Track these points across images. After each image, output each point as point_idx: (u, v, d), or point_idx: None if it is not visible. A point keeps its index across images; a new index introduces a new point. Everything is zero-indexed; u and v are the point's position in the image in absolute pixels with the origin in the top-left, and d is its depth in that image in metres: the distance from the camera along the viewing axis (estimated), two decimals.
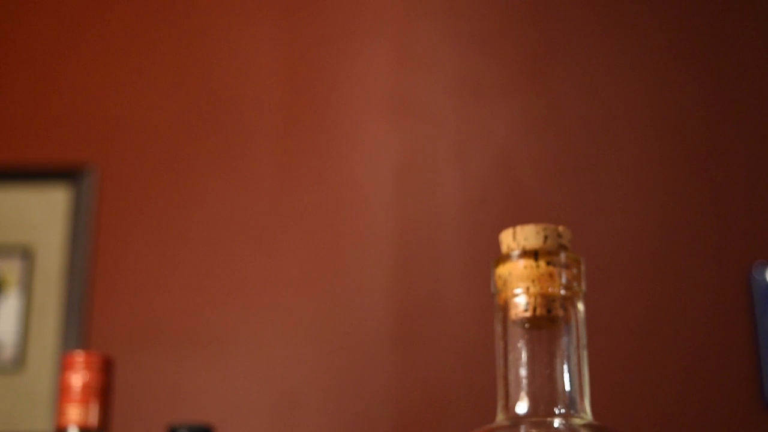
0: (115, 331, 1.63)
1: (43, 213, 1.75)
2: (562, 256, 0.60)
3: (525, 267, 0.60)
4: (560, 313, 0.60)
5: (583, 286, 0.61)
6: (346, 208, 1.68)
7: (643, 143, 1.67)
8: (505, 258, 0.61)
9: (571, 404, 0.59)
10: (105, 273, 1.70)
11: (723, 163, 1.65)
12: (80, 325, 1.66)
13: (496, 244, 0.62)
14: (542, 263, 0.60)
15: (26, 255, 1.73)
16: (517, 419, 0.59)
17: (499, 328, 0.61)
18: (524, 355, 0.60)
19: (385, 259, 1.64)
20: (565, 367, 0.59)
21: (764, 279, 1.58)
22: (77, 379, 0.97)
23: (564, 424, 0.58)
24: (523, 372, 0.59)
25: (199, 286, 1.66)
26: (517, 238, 0.61)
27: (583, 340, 0.60)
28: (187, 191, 1.71)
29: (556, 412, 0.58)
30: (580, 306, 0.61)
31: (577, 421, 0.58)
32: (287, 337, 1.61)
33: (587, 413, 0.59)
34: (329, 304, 1.63)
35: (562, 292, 0.60)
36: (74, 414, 0.96)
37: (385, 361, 1.58)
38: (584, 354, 0.60)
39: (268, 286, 1.65)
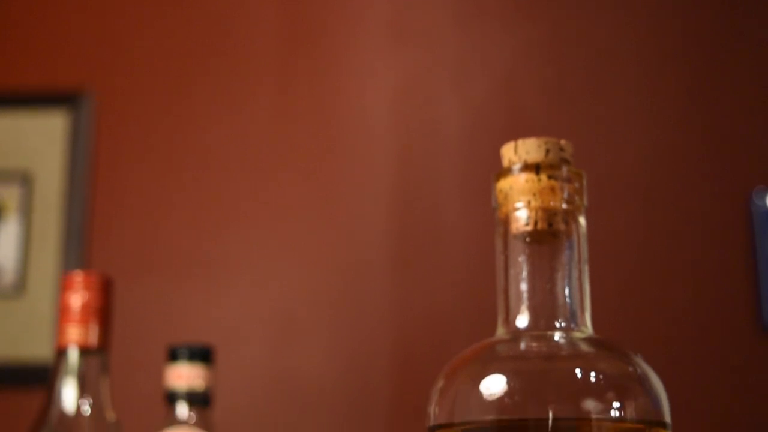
0: (114, 256, 1.63)
1: (41, 138, 1.74)
2: (564, 170, 0.59)
3: (526, 181, 0.59)
4: (561, 227, 0.59)
5: (585, 201, 0.60)
6: (345, 134, 1.68)
7: (643, 67, 1.66)
8: (506, 172, 0.60)
9: (572, 318, 0.59)
10: (104, 198, 1.69)
11: (724, 86, 1.64)
12: (80, 249, 1.66)
13: (496, 169, 0.61)
14: (544, 177, 0.59)
15: (25, 181, 1.72)
16: (518, 333, 0.59)
17: (499, 243, 0.61)
18: (525, 270, 0.59)
19: (385, 184, 1.63)
20: (566, 281, 0.59)
21: (764, 204, 1.58)
22: (76, 299, 0.97)
23: (564, 338, 0.58)
24: (523, 286, 0.59)
25: (199, 212, 1.66)
26: (518, 151, 0.60)
27: (585, 255, 0.60)
28: (186, 116, 1.70)
29: (557, 325, 0.58)
30: (582, 220, 0.60)
31: (577, 334, 0.58)
32: (286, 263, 1.62)
33: (588, 327, 0.59)
34: (328, 230, 1.62)
35: (564, 206, 0.59)
36: (74, 334, 0.96)
37: (385, 285, 1.58)
38: (585, 268, 0.60)
39: (267, 210, 1.64)
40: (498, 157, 0.61)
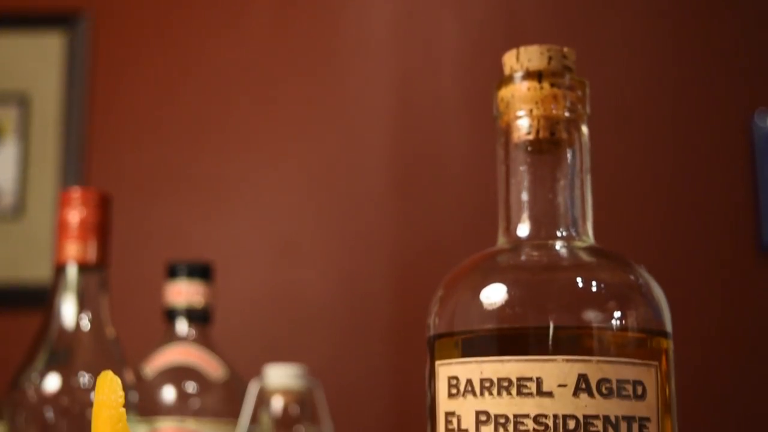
0: (113, 176, 1.63)
1: (38, 59, 1.73)
2: (567, 78, 0.58)
3: (528, 89, 0.58)
4: (564, 135, 0.58)
5: (588, 109, 0.59)
6: (345, 56, 1.66)
7: None
8: (507, 80, 0.59)
9: (573, 227, 0.58)
10: (102, 119, 1.68)
11: (727, 6, 1.62)
12: (79, 170, 1.66)
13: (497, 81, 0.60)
14: (546, 85, 0.58)
15: (22, 102, 1.71)
16: (519, 242, 0.58)
17: (500, 153, 0.60)
18: (526, 179, 0.58)
19: (385, 106, 1.62)
20: (568, 190, 0.58)
21: (766, 126, 1.57)
22: (74, 216, 0.96)
23: (565, 247, 0.58)
24: (524, 196, 0.58)
25: (198, 133, 1.65)
26: (520, 59, 0.59)
27: (587, 164, 0.59)
28: (184, 35, 1.68)
29: (558, 234, 0.58)
30: (584, 129, 0.59)
31: (578, 243, 0.58)
32: (286, 185, 1.61)
33: (589, 237, 0.59)
34: (329, 152, 1.62)
35: (566, 114, 0.58)
36: (72, 250, 0.96)
37: (386, 206, 1.58)
38: (587, 178, 0.59)
39: (267, 133, 1.63)
40: (498, 76, 0.60)
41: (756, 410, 1.47)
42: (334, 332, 1.54)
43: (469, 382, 0.54)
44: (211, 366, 1.05)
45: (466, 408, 0.54)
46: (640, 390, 0.53)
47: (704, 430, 1.42)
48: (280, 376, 1.02)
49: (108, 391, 0.54)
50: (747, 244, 1.52)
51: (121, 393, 0.53)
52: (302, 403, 1.02)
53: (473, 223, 1.51)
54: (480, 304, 0.55)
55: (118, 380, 0.54)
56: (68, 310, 0.95)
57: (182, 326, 1.08)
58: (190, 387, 1.04)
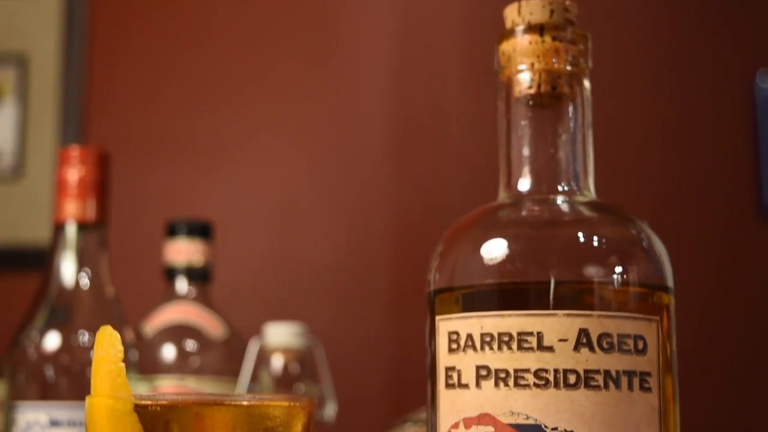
0: (113, 135, 1.62)
1: (36, 19, 1.72)
2: (569, 32, 0.58)
3: (530, 42, 0.57)
4: (565, 90, 0.58)
5: (590, 64, 0.59)
6: (344, 15, 1.65)
7: None
8: (509, 34, 0.58)
9: (575, 182, 0.58)
10: (101, 78, 1.67)
11: None
12: (78, 130, 1.65)
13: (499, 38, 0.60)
14: (548, 38, 0.57)
15: (20, 63, 1.70)
16: (520, 197, 0.58)
17: (501, 107, 0.60)
18: (527, 134, 0.58)
19: (384, 64, 1.61)
20: (569, 145, 0.58)
21: None
22: (73, 174, 0.96)
23: (567, 202, 0.57)
24: (525, 151, 0.58)
25: (198, 92, 1.64)
26: (522, 12, 0.58)
27: (588, 119, 0.59)
28: None
29: (559, 189, 0.57)
30: (586, 84, 0.59)
31: (579, 198, 0.57)
32: (286, 144, 1.60)
33: (591, 192, 0.58)
34: (329, 111, 1.61)
35: (568, 68, 0.58)
36: (71, 208, 0.95)
37: (386, 166, 1.57)
38: (589, 133, 0.59)
39: (267, 92, 1.63)
40: (499, 29, 0.60)
41: (755, 370, 1.47)
42: (335, 291, 1.54)
43: (469, 336, 0.54)
44: (211, 324, 1.05)
45: (467, 363, 0.54)
46: (641, 344, 0.53)
47: (703, 390, 1.42)
48: (280, 335, 1.02)
49: (107, 346, 0.53)
50: (747, 204, 1.52)
51: (121, 348, 0.53)
52: (302, 361, 1.02)
53: (474, 180, 1.50)
54: (480, 258, 0.55)
55: (117, 335, 0.54)
56: (68, 269, 0.95)
57: (182, 285, 1.08)
58: (190, 345, 1.04)
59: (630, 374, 0.52)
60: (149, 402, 0.51)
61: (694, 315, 1.41)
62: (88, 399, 0.53)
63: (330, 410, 1.04)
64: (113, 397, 0.52)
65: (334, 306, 1.53)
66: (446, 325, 0.55)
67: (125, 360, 0.53)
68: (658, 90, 1.58)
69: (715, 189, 1.54)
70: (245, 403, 0.52)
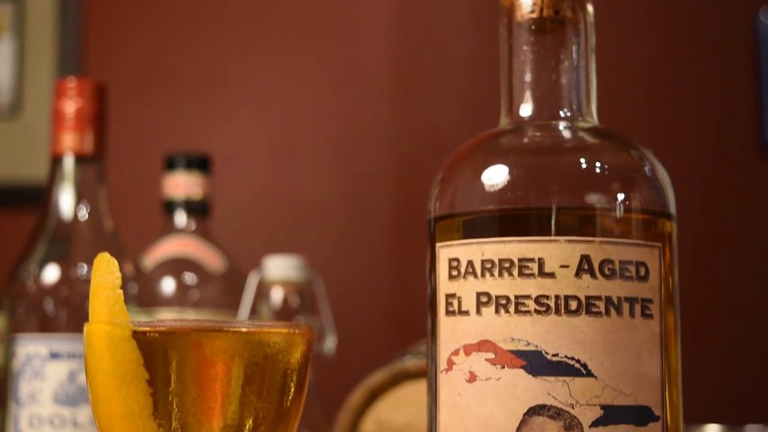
0: (111, 71, 1.61)
1: None
2: None
3: None
4: (568, 14, 0.57)
5: None
6: None
7: None
8: None
9: (577, 108, 0.57)
10: (100, 12, 1.66)
11: None
12: (76, 66, 1.64)
13: None
14: None
15: None
16: (521, 122, 0.57)
17: (503, 32, 0.59)
18: (529, 59, 0.57)
19: (386, 1, 1.60)
20: (572, 70, 0.57)
21: None
22: (70, 106, 0.95)
23: (569, 128, 0.56)
24: (527, 76, 0.57)
25: (198, 26, 1.62)
26: None
27: (592, 44, 0.58)
28: None
29: (561, 115, 0.57)
30: (589, 8, 0.58)
31: (582, 124, 0.57)
32: (287, 83, 1.59)
33: (593, 118, 0.58)
34: (330, 50, 1.60)
35: None
36: (69, 141, 0.95)
37: (386, 103, 1.56)
38: (592, 58, 0.58)
39: (268, 30, 1.61)
40: None
41: (754, 305, 1.47)
42: (334, 225, 1.54)
43: (470, 263, 0.53)
44: (210, 258, 1.05)
45: (467, 289, 0.53)
46: (642, 271, 0.52)
47: (704, 323, 1.42)
48: (280, 268, 1.01)
49: (105, 273, 0.53)
50: (749, 143, 1.51)
51: (118, 274, 0.53)
52: (302, 294, 1.02)
53: (474, 115, 1.50)
54: (482, 185, 0.54)
55: (115, 261, 0.53)
56: (66, 202, 0.94)
57: (181, 218, 1.07)
58: (190, 278, 1.04)
59: (631, 301, 0.52)
60: (147, 328, 0.51)
61: (694, 246, 1.41)
62: (86, 326, 0.53)
63: (330, 343, 1.04)
64: (111, 323, 0.52)
65: (333, 240, 1.53)
66: (447, 252, 0.55)
67: (124, 291, 0.53)
68: (662, 21, 1.57)
69: (716, 124, 1.53)
70: (244, 329, 0.52)
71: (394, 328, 1.49)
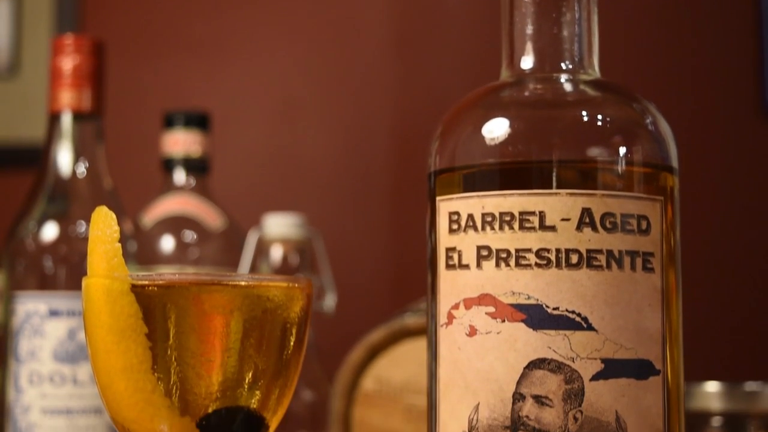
0: (109, 30, 1.60)
1: None
2: None
3: None
4: None
5: None
6: None
7: None
8: None
9: (579, 60, 0.56)
10: None
11: None
12: (74, 25, 1.63)
13: None
14: None
15: None
16: (522, 75, 0.56)
17: None
18: (531, 11, 0.56)
19: None
20: (574, 23, 0.56)
21: None
22: (68, 63, 0.94)
23: (570, 80, 0.56)
24: (529, 29, 0.56)
25: None
26: None
27: None
28: None
29: (563, 67, 0.56)
30: None
31: (583, 77, 0.56)
32: (286, 40, 1.58)
33: (595, 70, 0.57)
34: (329, 6, 1.58)
35: None
36: (67, 98, 0.94)
37: (386, 61, 1.55)
38: (594, 10, 0.57)
39: None
40: None
41: (756, 264, 1.47)
42: (334, 182, 1.53)
43: (470, 217, 0.53)
44: (210, 215, 1.05)
45: (467, 243, 0.53)
46: (644, 224, 0.52)
47: (704, 281, 1.42)
48: (279, 225, 1.01)
49: (103, 226, 0.53)
50: (750, 103, 1.50)
51: (116, 228, 0.53)
52: (301, 252, 1.02)
53: (475, 73, 1.48)
54: (482, 138, 0.54)
55: (113, 215, 0.53)
56: (64, 159, 0.94)
57: (180, 176, 1.07)
58: (189, 236, 1.04)
59: (633, 254, 0.51)
60: (146, 282, 0.50)
61: (695, 202, 1.40)
62: (84, 280, 0.53)
63: (330, 301, 1.04)
64: (110, 277, 0.51)
65: (333, 198, 1.52)
66: (447, 205, 0.54)
67: (123, 248, 0.52)
68: None
69: (717, 85, 1.52)
70: (243, 283, 0.51)
71: (394, 286, 1.49)
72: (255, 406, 0.52)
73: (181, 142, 1.06)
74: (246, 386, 0.51)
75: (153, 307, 0.50)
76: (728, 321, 1.44)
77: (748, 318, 1.44)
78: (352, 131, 1.54)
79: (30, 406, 0.88)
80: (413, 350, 0.91)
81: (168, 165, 1.07)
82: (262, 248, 1.02)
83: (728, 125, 1.51)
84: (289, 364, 0.53)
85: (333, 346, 1.04)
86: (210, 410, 0.50)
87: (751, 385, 0.84)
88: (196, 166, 1.07)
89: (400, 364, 0.91)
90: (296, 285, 0.53)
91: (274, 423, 0.54)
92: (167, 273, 0.48)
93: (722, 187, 1.48)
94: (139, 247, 0.98)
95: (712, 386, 0.83)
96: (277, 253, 1.01)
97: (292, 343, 0.53)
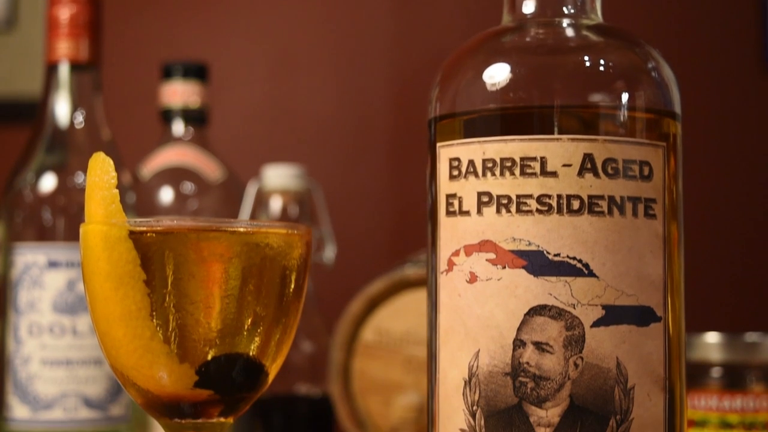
0: None
1: None
2: None
3: None
4: None
5: None
6: None
7: None
8: None
9: (581, 5, 0.56)
10: None
11: None
12: None
13: None
14: None
15: None
16: (524, 20, 0.56)
17: None
18: None
19: None
20: None
21: None
22: (65, 12, 0.93)
23: (572, 25, 0.55)
24: None
25: None
26: None
27: None
28: None
29: (565, 12, 0.55)
30: None
31: (586, 21, 0.55)
32: None
33: (597, 15, 0.56)
34: None
35: None
36: (64, 48, 0.93)
37: (386, 12, 1.54)
38: None
39: None
40: None
41: (758, 216, 1.47)
42: (334, 134, 1.52)
43: (470, 162, 0.52)
44: (209, 167, 1.04)
45: (468, 189, 0.52)
46: (646, 170, 0.52)
47: (705, 231, 1.42)
48: (279, 177, 1.01)
49: (100, 172, 0.52)
50: (751, 61, 1.49)
51: (114, 174, 0.52)
52: (301, 203, 1.02)
53: (476, 12, 1.47)
54: (483, 84, 0.53)
55: (110, 161, 0.52)
56: (62, 110, 0.93)
57: (178, 127, 1.06)
58: (188, 188, 1.03)
59: (635, 200, 0.51)
60: (144, 228, 0.50)
61: (696, 151, 1.40)
62: (82, 227, 0.52)
63: (329, 252, 1.04)
64: (107, 223, 0.51)
65: (333, 149, 1.52)
66: (447, 151, 0.54)
67: (122, 200, 0.52)
68: None
69: (717, 44, 1.51)
70: (242, 229, 0.51)
71: (394, 237, 1.49)
72: (254, 353, 0.52)
73: (179, 93, 1.05)
74: (245, 333, 0.51)
75: (151, 253, 0.50)
76: (729, 272, 1.44)
77: (749, 269, 1.44)
78: (351, 80, 1.53)
79: (30, 357, 0.88)
80: (413, 301, 0.91)
81: (166, 116, 1.06)
82: (261, 199, 1.01)
83: (730, 76, 1.50)
84: (288, 311, 0.53)
85: (333, 298, 1.04)
86: (209, 357, 0.50)
87: (751, 336, 0.84)
88: (195, 117, 1.06)
89: (400, 315, 0.91)
90: (295, 232, 0.53)
91: (273, 370, 0.54)
92: (165, 219, 0.47)
93: (725, 138, 1.48)
94: (137, 199, 0.98)
95: (712, 337, 0.83)
96: (276, 204, 1.01)
97: (291, 291, 0.53)
